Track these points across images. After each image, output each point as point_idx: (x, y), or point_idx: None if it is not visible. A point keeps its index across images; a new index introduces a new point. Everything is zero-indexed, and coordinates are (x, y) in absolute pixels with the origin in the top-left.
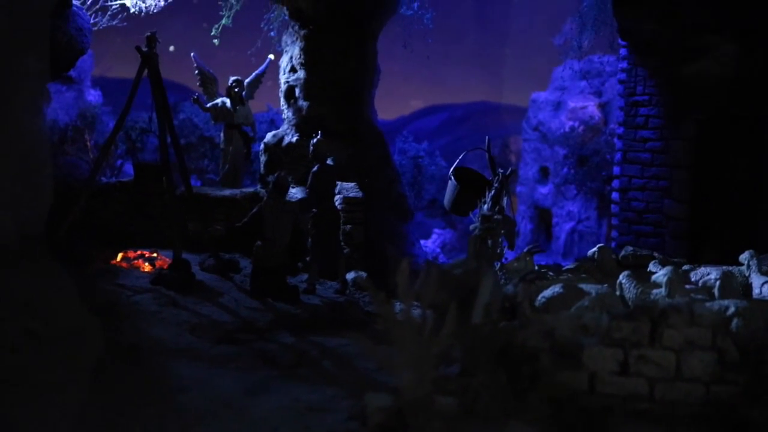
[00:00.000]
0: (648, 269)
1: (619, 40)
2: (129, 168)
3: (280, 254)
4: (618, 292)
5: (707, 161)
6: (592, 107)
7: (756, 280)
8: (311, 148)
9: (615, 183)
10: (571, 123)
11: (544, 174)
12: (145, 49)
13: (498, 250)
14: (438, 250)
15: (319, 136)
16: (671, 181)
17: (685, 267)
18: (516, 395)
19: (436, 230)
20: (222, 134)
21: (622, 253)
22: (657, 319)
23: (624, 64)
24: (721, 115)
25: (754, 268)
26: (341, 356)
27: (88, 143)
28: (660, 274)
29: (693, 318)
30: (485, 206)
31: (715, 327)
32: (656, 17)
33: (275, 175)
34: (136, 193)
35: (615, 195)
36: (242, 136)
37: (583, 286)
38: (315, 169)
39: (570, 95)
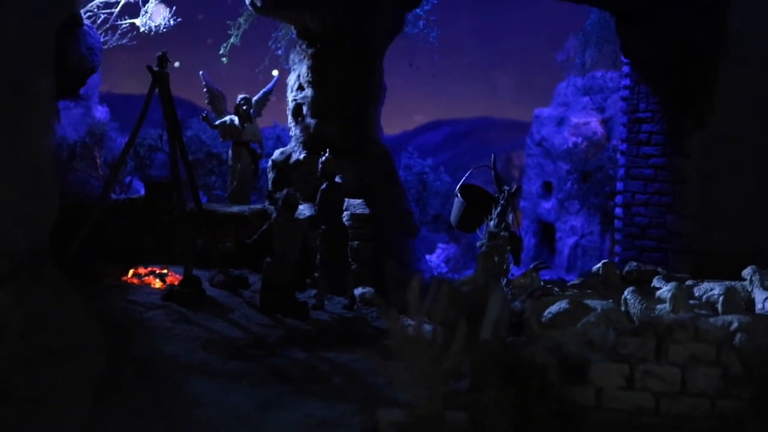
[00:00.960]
0: (652, 285)
1: (622, 58)
2: (138, 184)
3: (290, 270)
4: (623, 308)
5: (710, 176)
6: (594, 123)
7: (759, 295)
8: (320, 165)
9: (618, 198)
10: (574, 139)
11: (547, 189)
12: (156, 68)
13: (504, 266)
14: (442, 264)
15: (327, 154)
16: (674, 197)
17: (689, 282)
18: (524, 410)
19: (441, 245)
20: (230, 151)
21: (627, 268)
22: (662, 334)
23: (627, 81)
24: (723, 132)
25: (756, 283)
26: (352, 372)
27: (98, 160)
28: (664, 290)
29: (697, 334)
30: (492, 223)
31: (719, 342)
32: (657, 36)
33: (284, 192)
34: (146, 210)
35: (618, 210)
36: (250, 153)
37: (589, 301)
38: (323, 186)
39: (573, 111)
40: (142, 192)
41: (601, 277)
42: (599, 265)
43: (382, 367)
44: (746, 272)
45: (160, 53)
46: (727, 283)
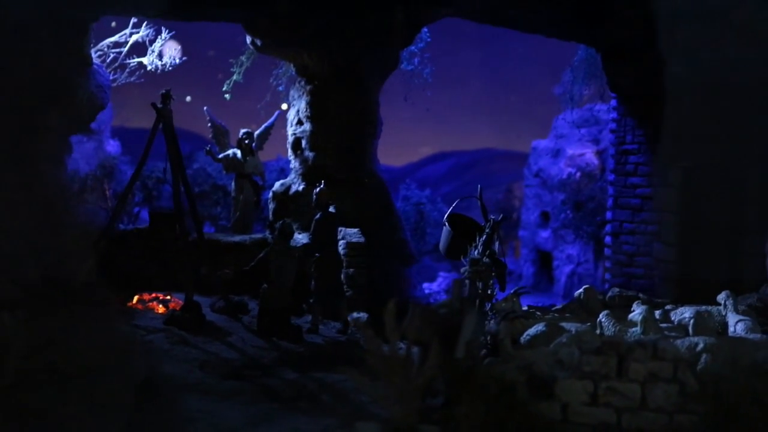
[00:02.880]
0: (632, 309)
1: (609, 92)
2: (146, 215)
3: (285, 296)
4: (598, 330)
5: (694, 206)
6: (589, 154)
7: (731, 318)
8: (314, 196)
9: (607, 227)
10: (569, 169)
11: (544, 219)
12: (159, 105)
13: (489, 292)
14: (443, 292)
15: (321, 186)
16: (660, 226)
17: (668, 307)
18: (494, 424)
19: (442, 273)
20: (233, 183)
21: (609, 294)
22: (624, 353)
23: (614, 114)
24: (704, 163)
25: (730, 307)
26: (339, 390)
27: (107, 192)
28: (636, 313)
29: (656, 353)
30: (475, 251)
31: (676, 361)
32: (640, 71)
33: (280, 222)
34: (151, 239)
35: (608, 239)
36: (252, 185)
37: (565, 324)
38: (318, 216)
39: (569, 143)
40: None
41: (582, 302)
42: (581, 290)
43: (364, 385)
44: (720, 297)
45: (163, 91)
46: (703, 307)
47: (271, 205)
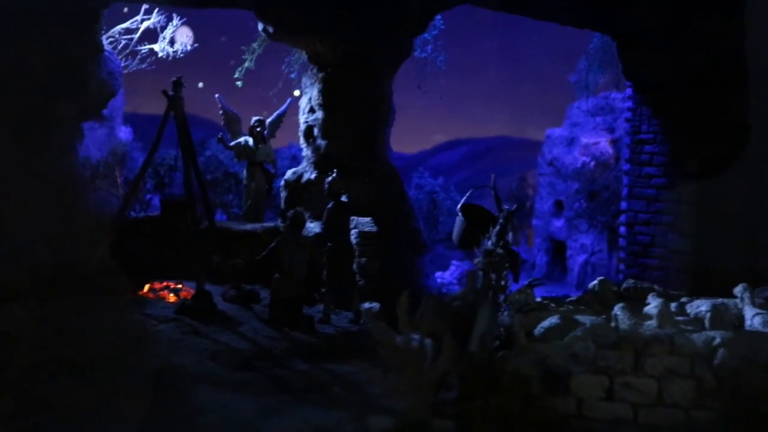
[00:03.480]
0: (646, 301)
1: (625, 80)
2: (157, 202)
3: (297, 286)
4: (613, 324)
5: (710, 197)
6: (604, 143)
7: (748, 311)
8: (326, 185)
9: (622, 218)
10: (583, 158)
11: (558, 208)
12: (171, 92)
13: (502, 283)
14: (455, 281)
15: (334, 175)
16: (676, 216)
17: (683, 300)
18: (508, 419)
19: (454, 262)
20: (245, 171)
21: (624, 285)
22: (640, 348)
23: (630, 104)
24: (722, 153)
25: (747, 300)
26: (351, 382)
27: (118, 179)
28: (651, 306)
29: (673, 348)
30: (489, 241)
31: (693, 356)
32: (657, 60)
33: (292, 211)
34: (163, 227)
35: (622, 229)
36: (264, 173)
37: (580, 317)
38: (330, 205)
39: (583, 131)
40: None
41: (597, 294)
42: (595, 282)
43: (375, 377)
44: (737, 290)
45: (174, 78)
46: (719, 300)
47: (283, 194)
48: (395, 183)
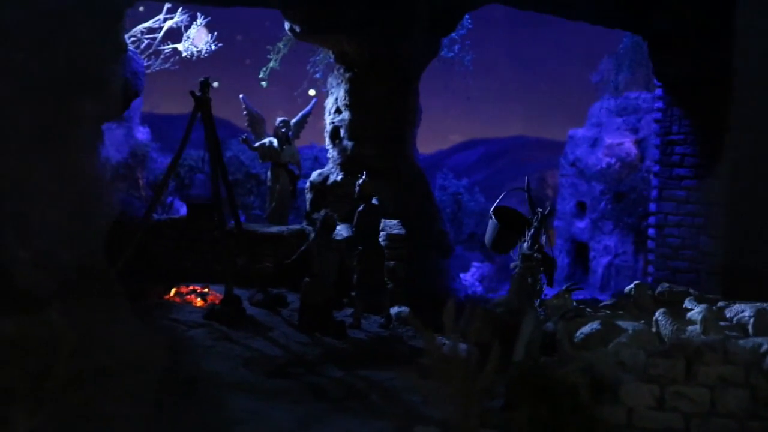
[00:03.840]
0: (684, 306)
1: (655, 80)
2: (179, 204)
3: (328, 290)
4: (654, 329)
5: (743, 199)
6: (628, 144)
7: None
8: (357, 188)
9: (651, 219)
10: (607, 159)
11: (581, 209)
12: (198, 93)
13: (537, 288)
14: (477, 283)
15: (364, 177)
16: (707, 218)
17: (720, 304)
18: (557, 429)
19: (475, 263)
20: (269, 173)
21: (658, 289)
22: (692, 356)
23: (660, 104)
24: (755, 154)
25: None
26: (388, 390)
27: (140, 180)
28: (695, 312)
29: (726, 356)
30: (525, 245)
31: (747, 365)
32: (688, 60)
33: (323, 213)
34: (187, 230)
35: (651, 231)
36: (288, 175)
37: (621, 323)
38: (361, 208)
39: (606, 132)
40: (183, 212)
41: (633, 297)
42: (631, 285)
43: (419, 386)
44: None
45: (202, 79)
46: (758, 304)
47: (309, 196)
48: (422, 184)
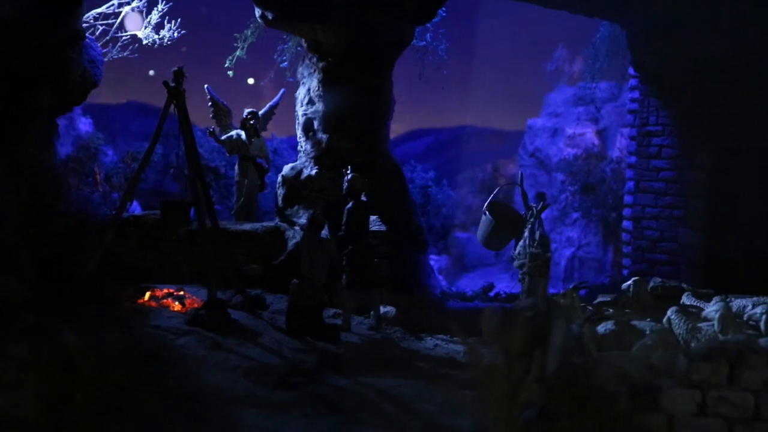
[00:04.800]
0: (681, 302)
1: (630, 71)
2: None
3: (318, 292)
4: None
5: (722, 190)
6: (590, 134)
7: None
8: (345, 184)
9: (626, 212)
10: (570, 150)
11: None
12: (172, 83)
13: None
14: (439, 277)
15: (349, 170)
16: (686, 211)
17: (716, 298)
18: None
19: (432, 257)
20: (236, 167)
21: (651, 284)
22: (734, 360)
23: (635, 94)
24: (735, 146)
25: None
26: (398, 398)
27: (98, 176)
28: (711, 309)
29: None
30: (525, 242)
31: None
32: (670, 50)
33: (311, 212)
34: (151, 229)
35: (627, 224)
36: (257, 169)
37: (636, 323)
38: (350, 205)
39: (566, 122)
40: (133, 211)
41: (633, 294)
42: (630, 282)
43: (457, 397)
44: None
45: (175, 68)
46: (755, 298)
47: (281, 191)
48: (398, 178)
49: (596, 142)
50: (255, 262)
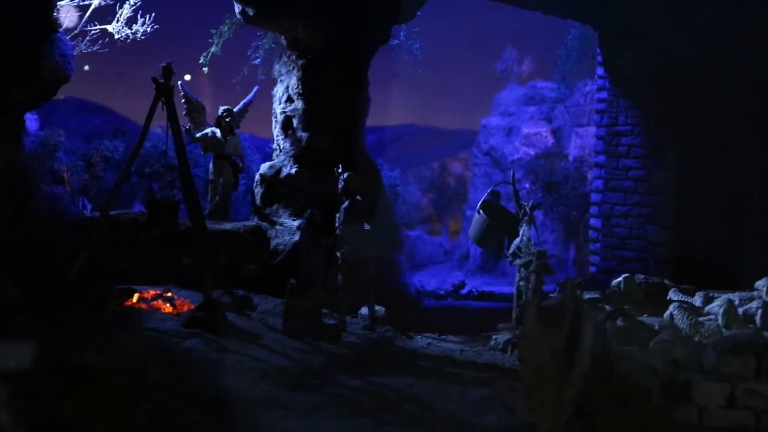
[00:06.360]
0: (668, 297)
1: (599, 71)
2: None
3: (317, 292)
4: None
5: (690, 189)
6: (545, 133)
7: None
8: (341, 183)
9: (593, 210)
10: (526, 149)
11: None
12: (161, 79)
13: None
14: None
15: (340, 169)
16: (654, 208)
17: (699, 293)
18: None
19: None
20: (211, 165)
21: (636, 281)
22: (762, 352)
23: (604, 95)
24: (703, 146)
25: None
26: (416, 398)
27: (65, 174)
28: (715, 305)
29: None
30: (521, 240)
31: None
32: (641, 52)
33: (308, 212)
34: (124, 228)
35: (595, 221)
36: (232, 167)
37: (642, 318)
38: (346, 205)
39: (521, 121)
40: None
41: (624, 291)
42: (620, 279)
43: (507, 397)
44: (761, 284)
45: (164, 64)
46: (736, 294)
47: (259, 189)
48: (376, 176)
49: (551, 141)
50: (237, 262)
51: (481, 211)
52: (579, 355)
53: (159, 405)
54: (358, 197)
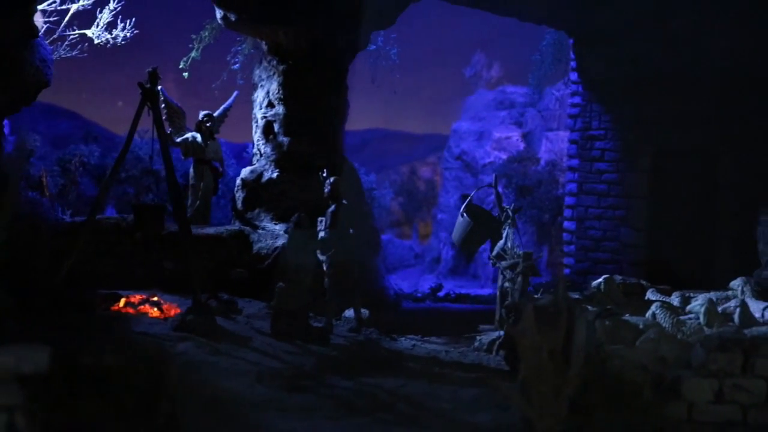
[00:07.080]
0: (647, 297)
1: (573, 77)
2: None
3: (305, 295)
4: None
5: (662, 191)
6: (516, 137)
7: (753, 305)
8: (328, 187)
9: (567, 212)
10: (497, 153)
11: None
12: (147, 84)
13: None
14: None
15: (325, 173)
16: (628, 211)
17: (676, 293)
18: (630, 428)
19: None
20: (192, 170)
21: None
22: (748, 349)
23: (577, 99)
24: (675, 149)
25: (748, 293)
26: (409, 398)
27: (44, 179)
28: (696, 304)
29: None
30: (506, 243)
31: None
32: (615, 58)
33: (296, 215)
34: (105, 233)
35: (569, 224)
36: (212, 172)
37: (627, 318)
38: (332, 209)
39: (491, 125)
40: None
41: (605, 292)
42: (600, 280)
43: (506, 397)
44: (736, 283)
45: (150, 69)
46: (712, 293)
47: (240, 194)
48: (355, 180)
49: (523, 145)
50: (220, 265)
51: (465, 214)
52: (573, 354)
53: (175, 407)
54: (344, 201)
